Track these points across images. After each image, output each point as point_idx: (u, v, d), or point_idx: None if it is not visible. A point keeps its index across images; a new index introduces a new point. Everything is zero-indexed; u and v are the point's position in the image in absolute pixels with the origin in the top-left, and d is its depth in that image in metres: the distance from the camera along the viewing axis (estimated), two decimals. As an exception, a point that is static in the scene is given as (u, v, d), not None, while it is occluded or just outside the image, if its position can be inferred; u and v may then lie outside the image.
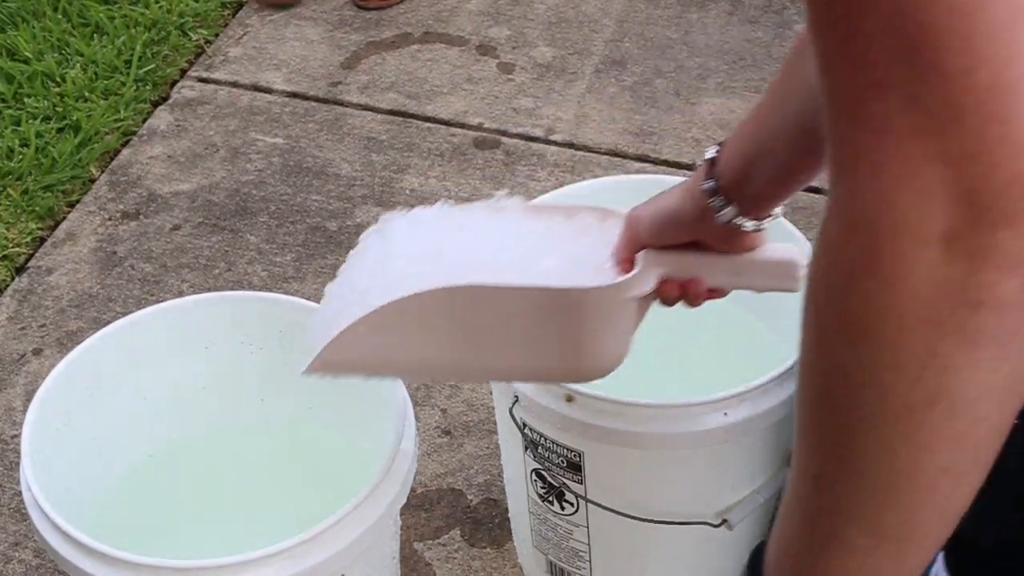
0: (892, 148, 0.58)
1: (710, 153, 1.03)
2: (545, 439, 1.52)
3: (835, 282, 0.61)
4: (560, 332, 1.15)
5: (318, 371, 1.17)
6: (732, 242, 1.09)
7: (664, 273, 1.13)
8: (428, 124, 2.57)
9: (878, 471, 0.63)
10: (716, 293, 1.16)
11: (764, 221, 1.08)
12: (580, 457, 1.51)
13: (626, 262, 1.14)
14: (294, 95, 2.66)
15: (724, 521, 1.54)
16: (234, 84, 2.70)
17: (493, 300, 1.14)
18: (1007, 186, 0.57)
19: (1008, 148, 0.56)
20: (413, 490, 1.44)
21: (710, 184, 1.02)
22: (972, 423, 0.61)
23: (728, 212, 1.03)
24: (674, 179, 1.78)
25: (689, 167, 2.44)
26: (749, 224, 1.05)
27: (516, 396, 1.50)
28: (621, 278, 1.12)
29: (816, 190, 2.34)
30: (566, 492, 1.56)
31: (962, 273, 0.58)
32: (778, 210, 1.09)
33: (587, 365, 1.19)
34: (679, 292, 1.14)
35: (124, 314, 1.61)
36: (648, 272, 1.13)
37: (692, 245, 1.11)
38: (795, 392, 0.66)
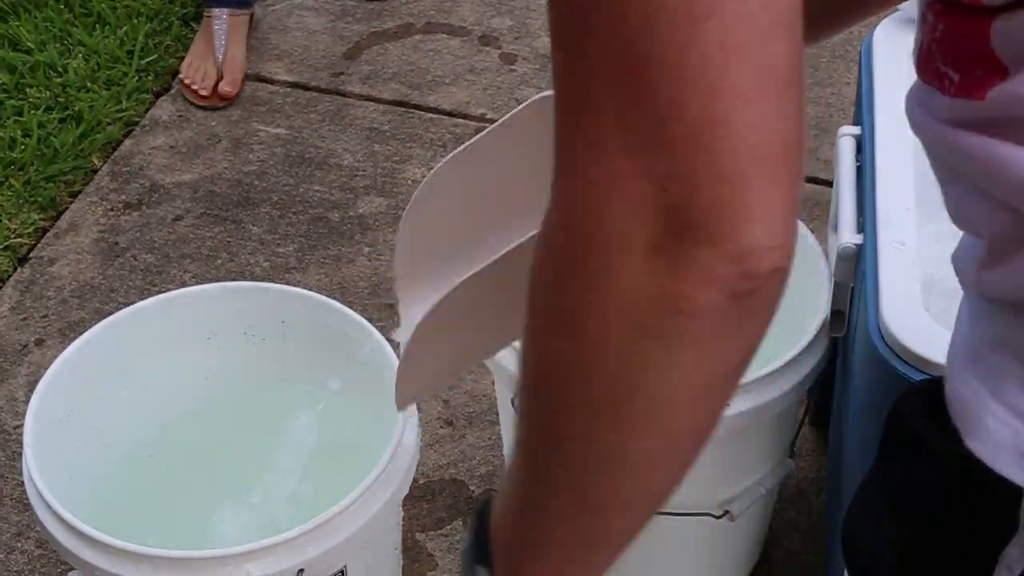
0: (605, 162, 0.61)
1: None
2: (547, 430, 1.52)
3: (547, 277, 0.65)
4: None
5: (407, 402, 1.27)
6: None
7: None
8: (430, 115, 2.57)
9: (585, 453, 0.67)
10: None
11: None
12: (582, 448, 1.51)
13: None
14: (296, 85, 2.65)
15: (726, 512, 1.54)
16: (236, 74, 2.69)
17: (507, 271, 1.15)
18: (708, 209, 0.61)
19: (711, 174, 0.60)
20: (415, 481, 1.44)
21: None
22: (671, 417, 0.65)
23: None
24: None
25: (691, 158, 2.43)
26: None
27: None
28: None
29: (817, 180, 2.34)
30: (568, 483, 1.56)
31: (663, 282, 0.61)
32: None
33: None
34: None
35: (126, 305, 1.61)
36: None
37: None
38: (519, 381, 0.69)
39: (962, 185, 0.78)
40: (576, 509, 0.70)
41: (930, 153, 0.80)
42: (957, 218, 0.80)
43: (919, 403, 0.84)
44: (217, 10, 2.60)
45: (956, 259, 0.83)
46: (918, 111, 0.78)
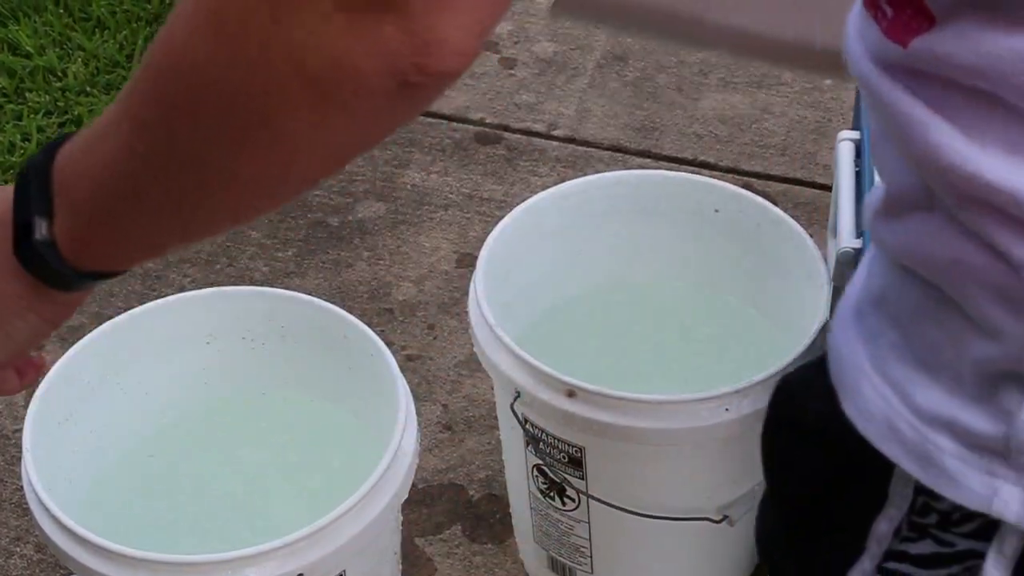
0: None
1: None
2: (546, 435, 1.52)
3: None
4: None
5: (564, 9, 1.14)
6: None
7: None
8: (430, 119, 2.57)
9: (198, 161, 0.67)
10: None
11: None
12: (581, 453, 1.51)
13: None
14: (296, 90, 2.65)
15: (725, 517, 1.54)
16: (236, 79, 2.69)
17: None
18: None
19: None
20: (414, 485, 1.44)
21: None
22: (291, 160, 0.66)
23: None
24: (676, 174, 1.78)
25: (691, 162, 2.44)
26: None
27: (517, 392, 1.50)
28: None
29: (816, 185, 2.34)
30: (567, 488, 1.56)
31: (343, 46, 0.60)
32: None
33: None
34: None
35: (125, 309, 1.60)
36: None
37: None
38: (148, 56, 0.68)
39: (879, 127, 0.77)
40: (165, 199, 0.70)
41: (860, 87, 0.79)
42: (874, 158, 0.79)
43: (797, 374, 0.82)
44: None
45: (867, 199, 0.82)
46: (854, 40, 0.77)
